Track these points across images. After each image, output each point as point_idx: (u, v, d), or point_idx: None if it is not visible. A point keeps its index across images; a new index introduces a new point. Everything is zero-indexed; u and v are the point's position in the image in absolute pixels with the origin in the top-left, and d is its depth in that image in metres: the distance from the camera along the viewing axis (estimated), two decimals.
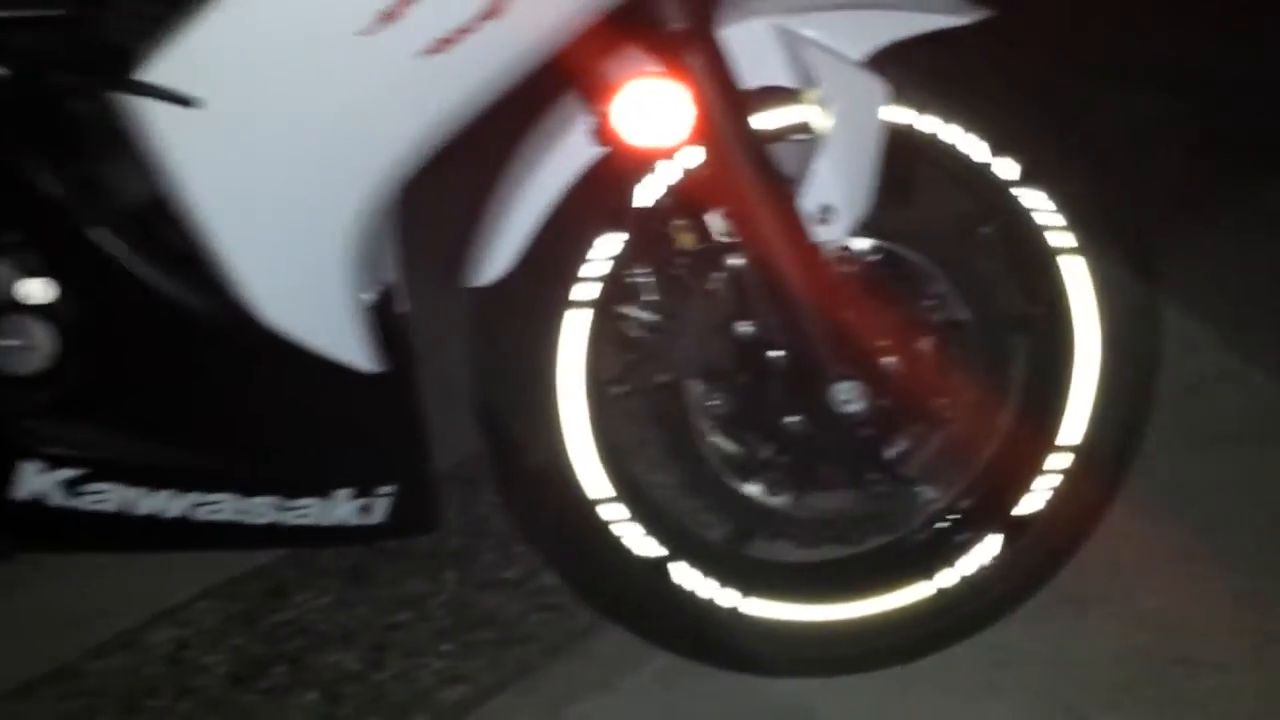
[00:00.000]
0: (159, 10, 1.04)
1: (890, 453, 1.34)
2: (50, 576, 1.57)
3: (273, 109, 1.04)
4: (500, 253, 1.26)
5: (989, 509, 1.41)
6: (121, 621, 1.55)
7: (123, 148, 1.06)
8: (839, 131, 1.23)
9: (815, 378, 1.27)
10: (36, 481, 1.15)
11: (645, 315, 1.31)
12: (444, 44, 1.03)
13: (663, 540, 1.38)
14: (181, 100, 1.01)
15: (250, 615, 1.57)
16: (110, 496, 1.17)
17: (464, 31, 1.03)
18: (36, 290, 1.11)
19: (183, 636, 1.54)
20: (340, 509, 1.26)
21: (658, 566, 1.38)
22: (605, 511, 1.36)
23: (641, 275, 1.31)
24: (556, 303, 1.30)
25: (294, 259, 1.11)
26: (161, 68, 1.01)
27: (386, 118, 1.07)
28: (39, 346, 1.11)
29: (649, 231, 1.28)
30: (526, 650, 1.53)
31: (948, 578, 1.40)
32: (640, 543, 1.37)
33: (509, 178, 1.27)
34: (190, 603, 1.58)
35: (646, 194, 1.27)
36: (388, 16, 1.01)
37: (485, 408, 1.36)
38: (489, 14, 1.03)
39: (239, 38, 1.01)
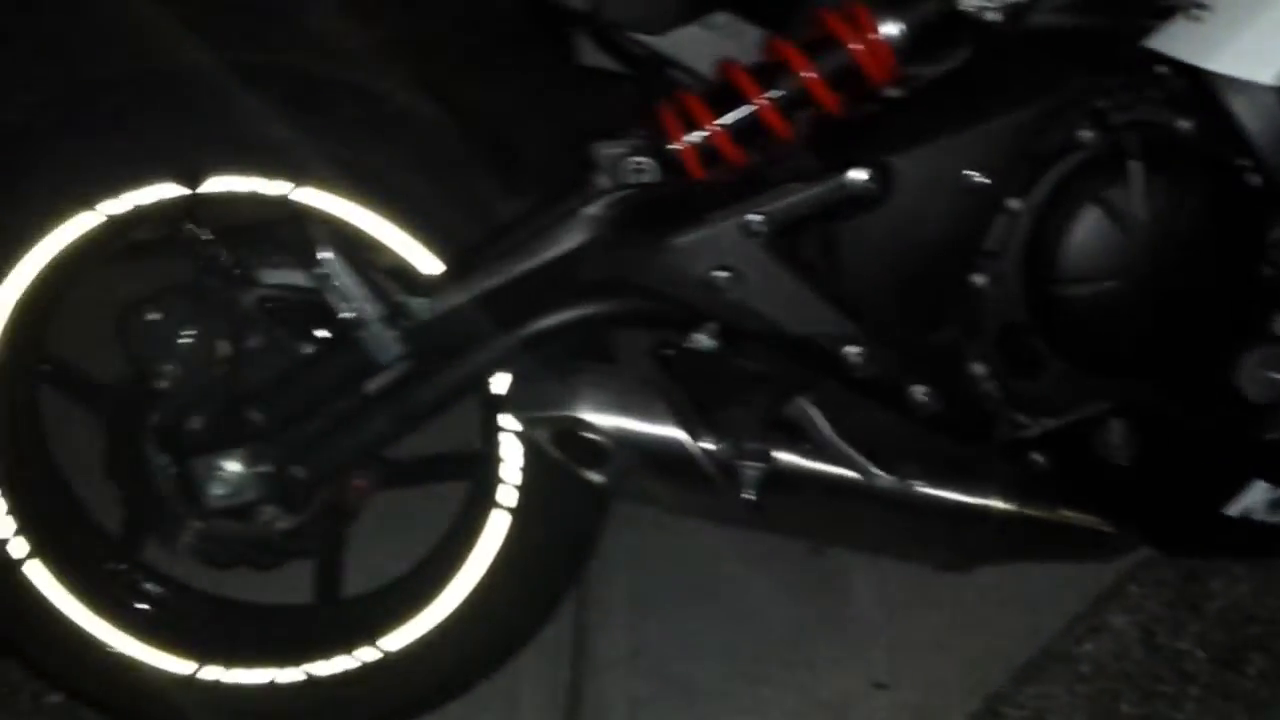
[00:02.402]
0: None
1: None
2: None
3: None
4: None
5: None
6: (1067, 604, 1.65)
7: None
8: None
9: None
10: (1254, 499, 1.23)
11: None
12: None
13: None
14: None
15: (1188, 601, 1.65)
16: None
17: None
18: None
19: (1140, 621, 1.62)
20: None
21: None
22: None
23: None
24: None
25: None
26: None
27: None
28: None
29: None
30: None
31: None
32: None
33: None
34: (1120, 587, 1.67)
35: None
36: None
37: None
38: None
39: None
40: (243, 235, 1.32)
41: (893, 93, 1.20)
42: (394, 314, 1.15)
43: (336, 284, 1.13)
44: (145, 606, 1.39)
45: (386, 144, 1.24)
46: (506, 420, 1.32)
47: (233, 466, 1.23)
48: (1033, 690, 1.55)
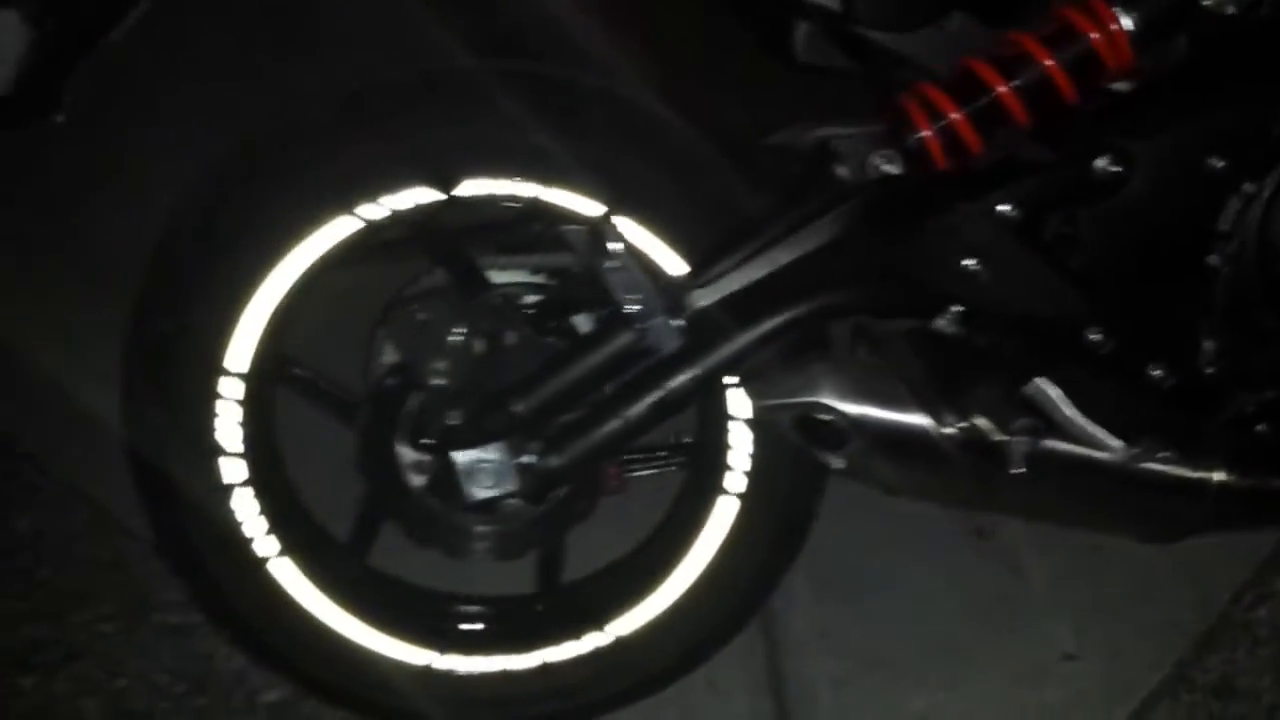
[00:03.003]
0: None
1: None
2: None
3: None
4: None
5: None
6: (1231, 574, 1.71)
7: None
8: None
9: None
10: None
11: None
12: None
13: None
14: None
15: None
16: None
17: None
18: None
19: None
20: None
21: None
22: None
23: None
24: None
25: None
26: None
27: None
28: None
29: None
30: None
31: None
32: None
33: None
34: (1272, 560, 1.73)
35: None
36: None
37: None
38: None
39: None
40: (479, 237, 1.37)
41: (1120, 84, 1.25)
42: (675, 306, 1.19)
43: (625, 276, 1.17)
44: (387, 600, 1.43)
45: (633, 145, 1.29)
46: (736, 408, 1.37)
47: (496, 459, 1.26)
48: (1216, 656, 1.61)
